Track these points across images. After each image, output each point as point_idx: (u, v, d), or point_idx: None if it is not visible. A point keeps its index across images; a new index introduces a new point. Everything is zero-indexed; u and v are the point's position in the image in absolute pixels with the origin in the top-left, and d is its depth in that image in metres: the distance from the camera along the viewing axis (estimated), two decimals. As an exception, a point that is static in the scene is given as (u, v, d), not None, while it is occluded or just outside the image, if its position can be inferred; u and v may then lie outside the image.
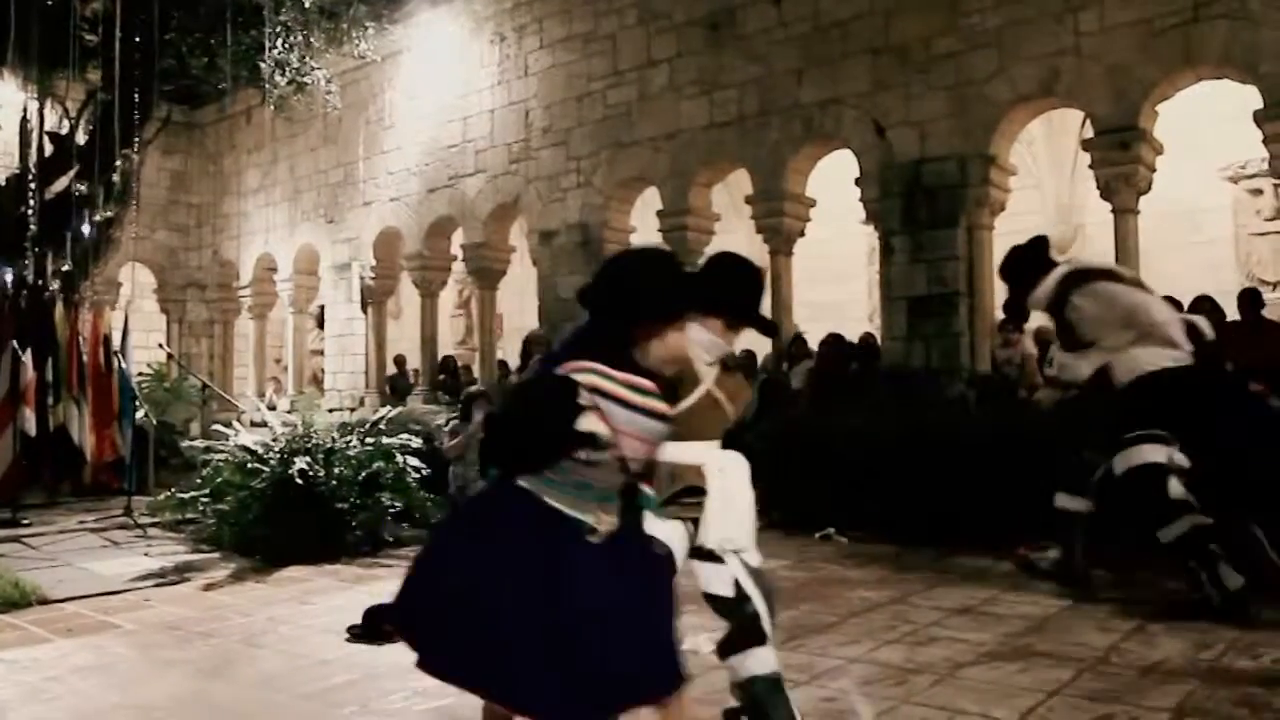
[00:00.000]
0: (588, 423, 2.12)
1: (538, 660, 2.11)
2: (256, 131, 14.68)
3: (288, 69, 10.56)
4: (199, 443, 8.85)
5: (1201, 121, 8.57)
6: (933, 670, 3.74)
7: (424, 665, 2.28)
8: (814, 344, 9.20)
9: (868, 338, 9.36)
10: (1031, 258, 4.97)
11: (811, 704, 3.40)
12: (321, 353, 14.45)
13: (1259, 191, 9.89)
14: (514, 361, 11.07)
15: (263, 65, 10.45)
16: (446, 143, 11.99)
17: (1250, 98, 6.90)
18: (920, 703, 3.38)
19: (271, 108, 11.41)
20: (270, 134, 14.35)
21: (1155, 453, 4.53)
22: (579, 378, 2.15)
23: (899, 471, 6.75)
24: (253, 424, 9.67)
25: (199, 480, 7.55)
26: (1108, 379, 4.66)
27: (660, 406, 2.24)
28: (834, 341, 9.05)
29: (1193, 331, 4.74)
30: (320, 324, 14.48)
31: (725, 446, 3.07)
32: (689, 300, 2.39)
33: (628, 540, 2.30)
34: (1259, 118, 6.84)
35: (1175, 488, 4.49)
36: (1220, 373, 4.93)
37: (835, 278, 12.32)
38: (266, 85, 10.65)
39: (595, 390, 2.14)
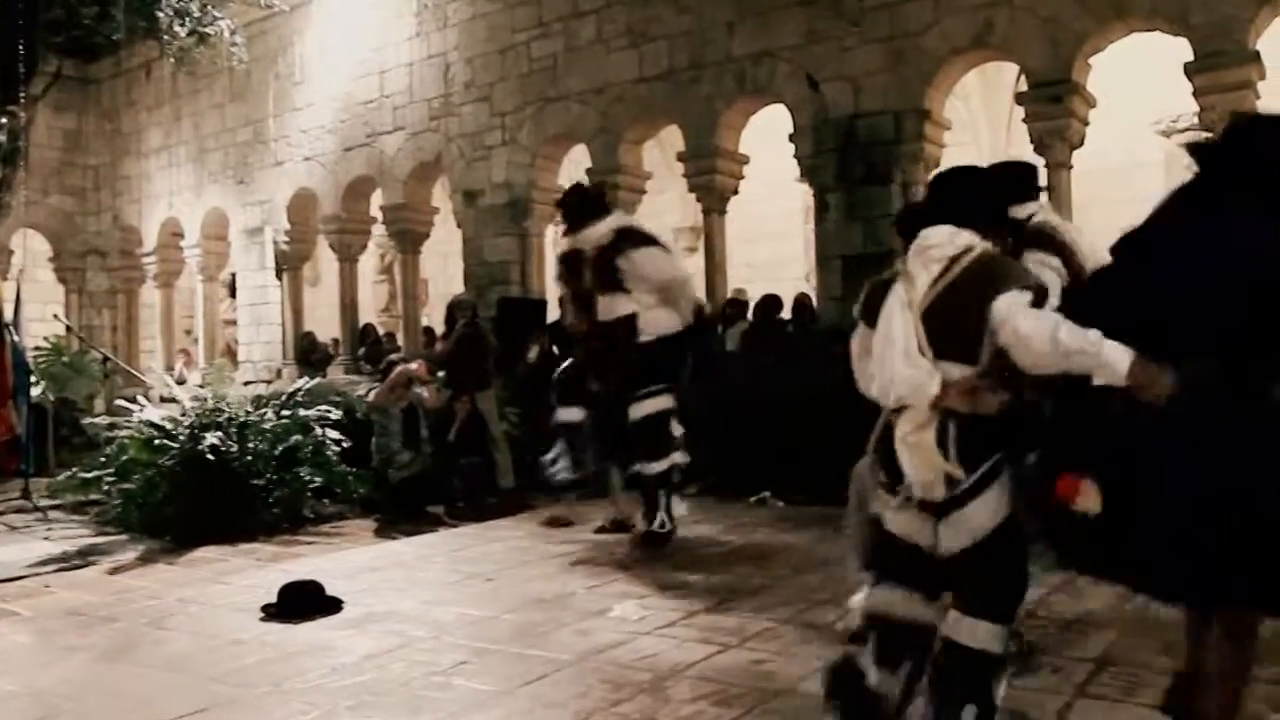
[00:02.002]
0: None
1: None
2: (156, 87, 14.17)
3: (188, 19, 10.19)
4: (102, 419, 8.64)
5: (1134, 75, 8.77)
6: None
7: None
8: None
9: (803, 298, 9.46)
10: (595, 201, 5.96)
11: (741, 667, 3.48)
12: (234, 323, 14.12)
13: (1191, 146, 10.18)
14: (439, 328, 10.95)
15: (160, 15, 10.07)
16: (362, 98, 11.73)
17: (1181, 50, 7.09)
18: (849, 661, 3.47)
19: (171, 61, 11.02)
20: (172, 90, 13.86)
21: (667, 401, 5.64)
22: None
23: (835, 434, 6.85)
24: (161, 399, 9.47)
25: (103, 459, 7.39)
26: (633, 326, 5.59)
27: None
28: (769, 302, 9.14)
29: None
30: (232, 292, 14.14)
31: None
32: None
33: None
34: (1189, 70, 7.02)
35: (675, 428, 5.67)
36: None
37: (772, 236, 12.42)
38: (165, 37, 10.28)
39: None
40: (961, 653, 2.50)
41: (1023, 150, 8.99)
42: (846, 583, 4.63)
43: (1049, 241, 5.05)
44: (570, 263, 5.96)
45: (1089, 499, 2.26)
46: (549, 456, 6.05)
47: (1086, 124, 7.72)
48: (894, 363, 2.53)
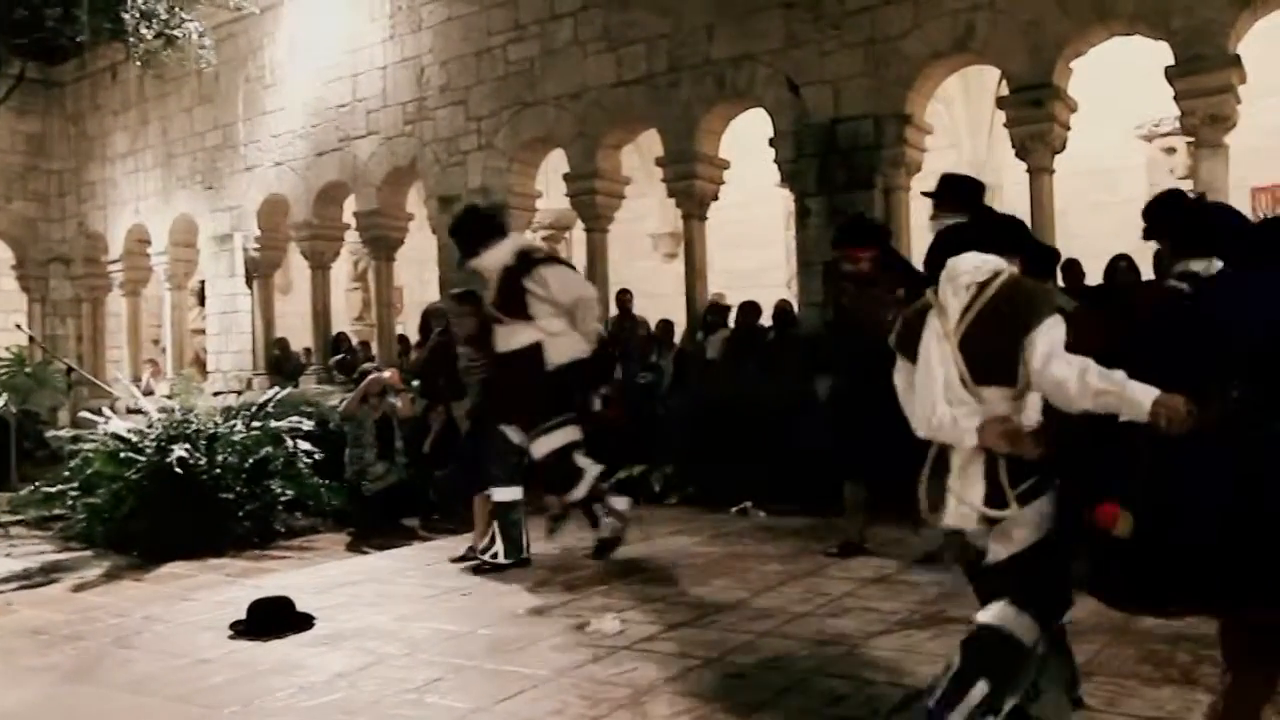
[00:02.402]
0: None
1: None
2: (122, 90, 14.06)
3: (155, 21, 10.12)
4: (66, 432, 8.56)
5: (1116, 80, 8.87)
6: (844, 641, 3.86)
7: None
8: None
9: (784, 304, 9.50)
10: (491, 223, 5.74)
11: (719, 680, 3.48)
12: (203, 332, 14.02)
13: (1172, 150, 10.30)
14: (415, 337, 10.92)
15: (126, 17, 10.00)
16: (335, 102, 11.69)
17: (1163, 55, 7.17)
18: (830, 673, 3.48)
19: (138, 64, 10.94)
20: (138, 93, 13.76)
21: (573, 433, 5.51)
22: None
23: (821, 444, 6.86)
24: (128, 410, 9.38)
25: (67, 473, 7.33)
26: (539, 357, 5.40)
27: None
28: (750, 309, 9.16)
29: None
30: (201, 301, 14.04)
31: None
32: None
33: None
34: (1170, 74, 7.09)
35: (581, 459, 5.56)
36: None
37: (753, 243, 12.45)
38: (131, 39, 10.19)
39: None
40: (992, 634, 2.61)
41: (1004, 155, 9.09)
42: (827, 592, 4.67)
43: None
44: (472, 298, 5.84)
45: (1124, 525, 2.41)
46: (482, 545, 5.65)
47: (1068, 128, 7.78)
48: (935, 399, 2.64)
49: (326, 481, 7.41)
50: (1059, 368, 2.49)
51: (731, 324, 9.29)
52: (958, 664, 2.64)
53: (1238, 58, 6.92)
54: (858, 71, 8.21)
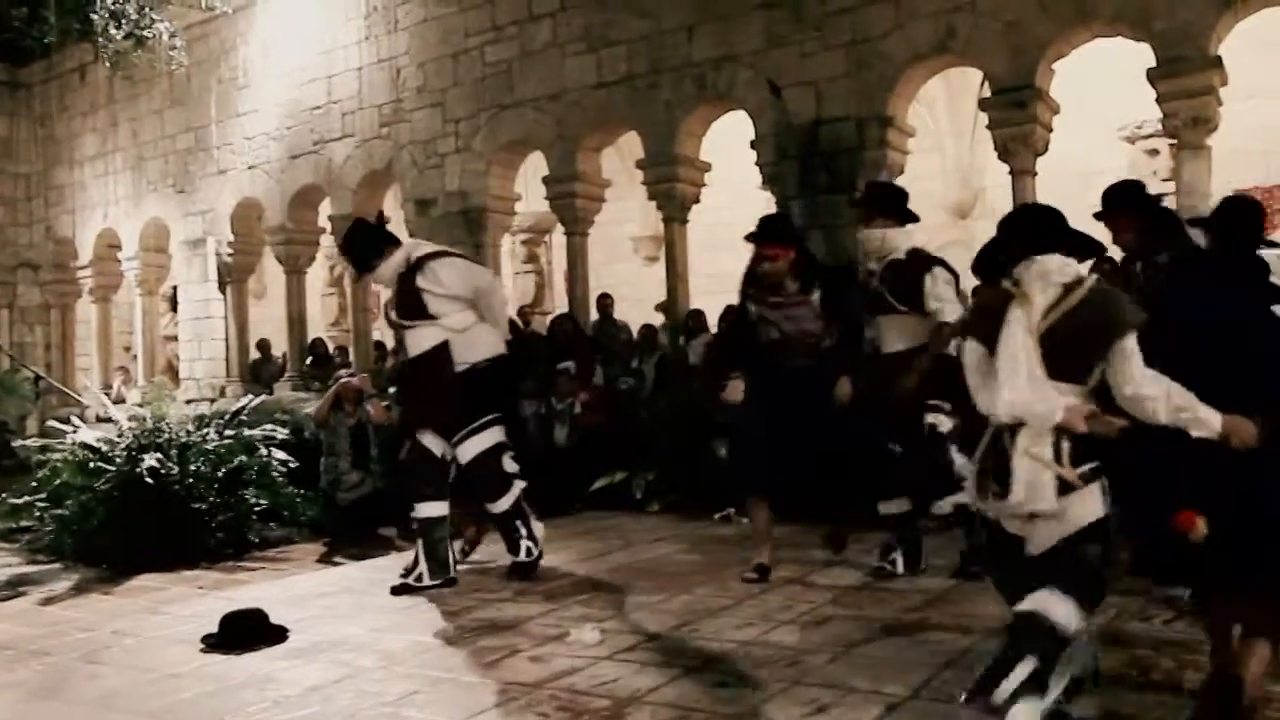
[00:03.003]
0: None
1: None
2: (91, 92, 13.97)
3: (124, 21, 10.09)
4: (34, 441, 8.49)
5: (1098, 81, 8.95)
6: (826, 649, 3.87)
7: None
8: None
9: (767, 309, 9.51)
10: (381, 232, 5.53)
11: (701, 689, 3.48)
12: (176, 338, 13.93)
13: (1155, 152, 10.38)
14: (391, 343, 10.89)
15: (95, 17, 9.95)
16: (309, 104, 11.65)
17: (1144, 56, 7.24)
18: (812, 682, 3.49)
19: (107, 65, 10.89)
20: (108, 95, 13.67)
21: (497, 435, 5.35)
22: None
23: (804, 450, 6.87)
24: (98, 419, 9.32)
25: (35, 483, 7.28)
26: (446, 357, 5.25)
27: None
28: (732, 314, 9.16)
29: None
30: (174, 307, 13.94)
31: None
32: None
33: None
34: (1152, 76, 7.17)
35: (510, 464, 5.40)
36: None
37: (735, 246, 12.40)
38: (100, 39, 10.15)
39: None
40: (1038, 620, 2.69)
41: (987, 157, 9.14)
42: (809, 599, 4.68)
43: (945, 263, 5.13)
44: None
45: (1200, 530, 2.76)
46: (404, 569, 5.44)
47: (1050, 130, 7.85)
48: (1017, 385, 2.74)
49: (301, 491, 7.38)
50: (1150, 386, 2.69)
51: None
52: (1000, 651, 2.71)
53: (1219, 59, 6.99)
54: (839, 73, 8.25)
